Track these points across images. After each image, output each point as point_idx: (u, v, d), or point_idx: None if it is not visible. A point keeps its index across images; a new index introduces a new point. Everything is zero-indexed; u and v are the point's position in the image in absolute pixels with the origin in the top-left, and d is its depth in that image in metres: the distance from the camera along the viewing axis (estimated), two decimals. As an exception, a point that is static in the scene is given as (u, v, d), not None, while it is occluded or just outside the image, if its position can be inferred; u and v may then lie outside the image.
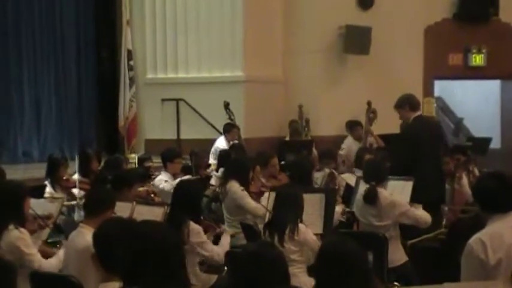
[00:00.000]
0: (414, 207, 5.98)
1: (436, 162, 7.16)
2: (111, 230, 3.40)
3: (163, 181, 7.65)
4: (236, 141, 10.35)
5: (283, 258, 3.02)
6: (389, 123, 10.90)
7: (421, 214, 5.95)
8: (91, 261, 4.21)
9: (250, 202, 6.48)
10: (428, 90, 12.95)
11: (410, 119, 7.12)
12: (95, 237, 3.47)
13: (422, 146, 6.86)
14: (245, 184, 6.65)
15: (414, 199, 6.11)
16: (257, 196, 6.68)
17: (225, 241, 5.50)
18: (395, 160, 7.05)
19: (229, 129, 10.58)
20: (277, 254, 3.01)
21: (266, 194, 6.59)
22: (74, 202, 6.98)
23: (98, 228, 3.55)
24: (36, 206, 5.19)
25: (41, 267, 4.69)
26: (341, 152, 10.44)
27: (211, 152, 10.14)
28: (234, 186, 6.61)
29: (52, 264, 4.79)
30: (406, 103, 7.19)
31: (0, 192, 4.89)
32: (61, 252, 4.89)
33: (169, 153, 8.09)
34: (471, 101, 14.84)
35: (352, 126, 11.13)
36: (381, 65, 12.57)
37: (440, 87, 14.14)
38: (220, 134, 10.72)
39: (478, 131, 13.35)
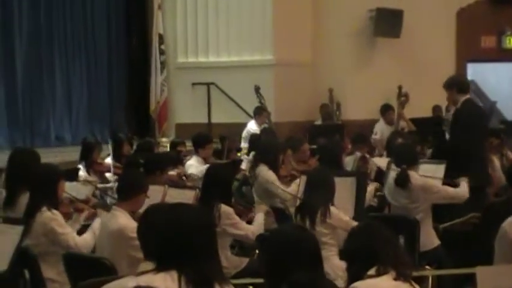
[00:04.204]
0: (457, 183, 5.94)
1: (482, 147, 7.11)
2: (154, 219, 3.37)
3: (196, 165, 7.66)
4: (266, 125, 10.37)
5: (316, 241, 3.02)
6: (421, 106, 10.85)
7: (454, 190, 5.90)
8: (124, 244, 4.27)
9: (278, 187, 6.47)
10: (461, 74, 12.81)
11: (459, 102, 6.99)
12: (139, 226, 3.48)
13: (471, 131, 6.79)
14: (274, 168, 6.65)
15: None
16: (288, 180, 6.67)
17: (260, 219, 5.47)
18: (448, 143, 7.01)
19: (259, 112, 10.58)
20: (309, 237, 3.01)
21: (297, 180, 6.60)
22: (108, 185, 7.04)
23: (142, 216, 3.56)
24: (69, 189, 5.25)
25: (77, 245, 4.72)
26: (375, 136, 10.39)
27: (242, 136, 10.16)
28: (263, 170, 6.62)
29: (87, 240, 4.80)
30: (454, 85, 7.05)
31: (34, 174, 4.96)
32: (95, 225, 4.91)
33: (201, 138, 8.09)
34: (504, 84, 14.66)
35: (385, 110, 11.04)
36: (412, 48, 12.45)
37: (473, 70, 13.98)
38: (251, 117, 10.74)
39: (511, 114, 13.18)
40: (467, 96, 7.05)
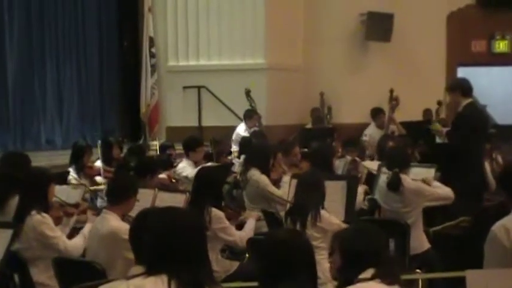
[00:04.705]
0: (427, 183, 5.95)
1: (482, 151, 7.11)
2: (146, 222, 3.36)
3: (187, 168, 7.65)
4: (256, 128, 10.36)
5: (310, 245, 3.02)
6: (411, 110, 10.88)
7: (443, 192, 5.92)
8: (118, 246, 4.26)
9: (272, 192, 6.49)
10: (451, 78, 12.83)
11: (461, 105, 6.98)
12: (131, 230, 3.48)
13: (473, 135, 6.79)
14: (265, 171, 6.65)
15: (460, 188, 6.06)
16: (277, 182, 6.68)
17: (250, 226, 5.48)
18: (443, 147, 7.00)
19: (249, 115, 10.58)
20: (303, 242, 3.02)
21: (285, 178, 6.59)
22: (99, 187, 7.03)
23: (134, 219, 3.55)
24: (59, 192, 5.23)
25: (66, 249, 4.72)
26: (365, 138, 10.40)
27: (232, 139, 10.15)
28: (255, 174, 6.61)
29: (77, 243, 4.80)
30: (458, 88, 7.03)
31: (25, 178, 4.94)
32: (85, 230, 4.90)
33: (191, 142, 8.07)
34: (495, 88, 14.71)
35: (375, 113, 11.06)
36: (403, 52, 12.50)
37: (464, 74, 14.01)
38: (242, 121, 10.73)
39: (502, 119, 13.23)
40: (470, 99, 7.03)
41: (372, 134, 10.58)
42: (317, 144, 7.98)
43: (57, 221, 4.91)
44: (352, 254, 3.11)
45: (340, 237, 3.25)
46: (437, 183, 5.98)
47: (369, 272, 3.05)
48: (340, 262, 3.13)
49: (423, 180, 5.93)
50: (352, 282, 3.03)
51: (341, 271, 3.13)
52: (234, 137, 10.25)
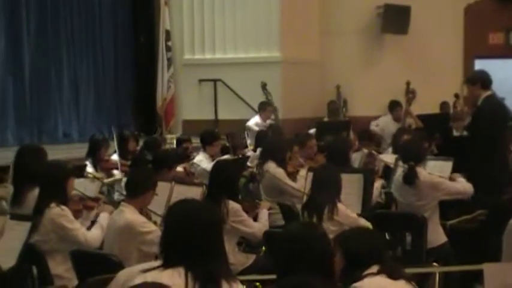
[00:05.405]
0: (453, 179, 5.92)
1: (503, 145, 7.06)
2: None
3: (203, 161, 7.67)
4: (272, 121, 10.33)
5: (327, 238, 3.03)
6: (428, 103, 10.83)
7: (462, 186, 5.89)
8: (133, 239, 4.28)
9: (287, 184, 6.49)
10: (468, 70, 12.76)
11: (481, 97, 6.92)
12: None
13: (495, 129, 6.74)
14: (282, 165, 6.65)
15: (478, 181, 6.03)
16: (293, 175, 6.67)
17: (264, 216, 5.49)
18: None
19: (263, 107, 10.55)
20: (320, 235, 3.02)
21: (301, 173, 6.58)
22: (116, 177, 7.06)
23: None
24: (77, 185, 5.25)
25: (87, 241, 4.72)
26: (375, 128, 10.35)
27: (247, 130, 10.12)
28: (272, 167, 6.61)
29: (96, 235, 4.80)
30: (478, 80, 6.95)
31: (44, 171, 4.97)
32: (102, 220, 4.91)
33: (209, 136, 8.08)
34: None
35: (393, 106, 11.02)
36: (420, 44, 12.44)
37: (481, 67, 13.90)
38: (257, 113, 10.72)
39: (519, 111, 13.14)
40: (490, 92, 6.96)
41: (385, 124, 10.55)
42: (331, 137, 7.97)
43: (76, 214, 4.93)
44: (354, 255, 3.14)
45: (341, 238, 3.28)
46: (461, 179, 5.94)
47: (374, 268, 3.08)
48: (343, 263, 3.16)
49: (450, 178, 5.90)
50: (358, 279, 3.05)
51: (345, 272, 3.15)
52: (246, 129, 10.21)
